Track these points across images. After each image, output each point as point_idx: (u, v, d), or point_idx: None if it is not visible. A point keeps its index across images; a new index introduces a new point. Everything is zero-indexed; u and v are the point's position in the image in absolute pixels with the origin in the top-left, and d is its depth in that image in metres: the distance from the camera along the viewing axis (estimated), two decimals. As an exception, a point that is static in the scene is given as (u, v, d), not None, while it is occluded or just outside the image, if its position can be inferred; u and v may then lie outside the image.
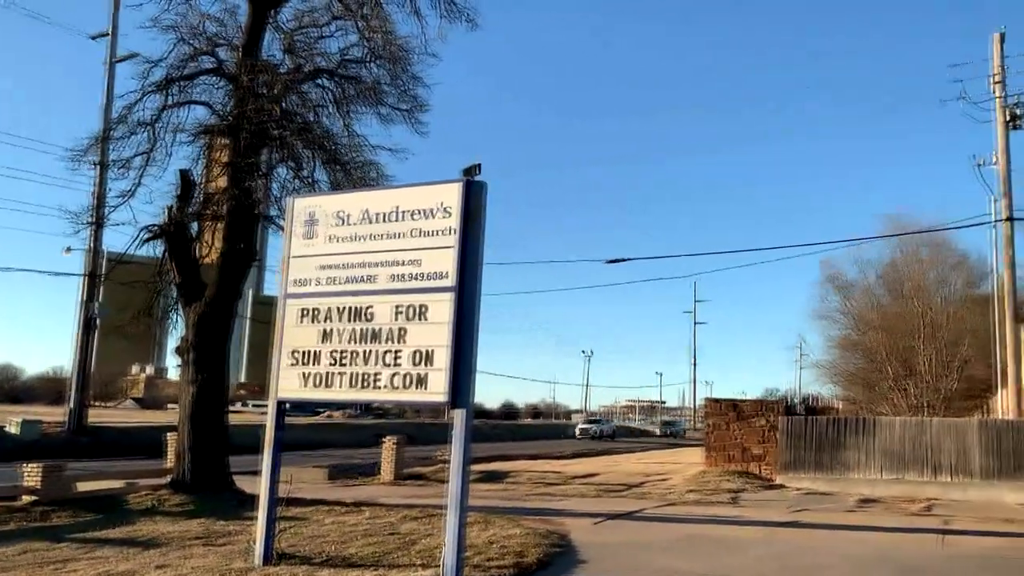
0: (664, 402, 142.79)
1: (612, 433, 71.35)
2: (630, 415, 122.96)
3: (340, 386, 8.61)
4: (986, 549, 12.02)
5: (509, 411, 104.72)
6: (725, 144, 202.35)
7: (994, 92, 23.57)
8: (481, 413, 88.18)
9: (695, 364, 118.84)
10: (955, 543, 12.45)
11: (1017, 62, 23.87)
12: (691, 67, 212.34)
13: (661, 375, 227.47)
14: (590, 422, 76.27)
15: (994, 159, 23.72)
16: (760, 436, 21.78)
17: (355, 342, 8.56)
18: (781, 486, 20.30)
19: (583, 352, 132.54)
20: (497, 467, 26.93)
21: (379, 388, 8.42)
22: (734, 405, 22.62)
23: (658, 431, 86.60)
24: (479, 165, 8.45)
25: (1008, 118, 23.39)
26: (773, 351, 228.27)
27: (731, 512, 15.54)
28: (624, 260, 28.25)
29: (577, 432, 69.43)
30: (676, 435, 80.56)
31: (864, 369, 44.48)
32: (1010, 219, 22.94)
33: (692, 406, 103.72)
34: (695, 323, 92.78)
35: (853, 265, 44.71)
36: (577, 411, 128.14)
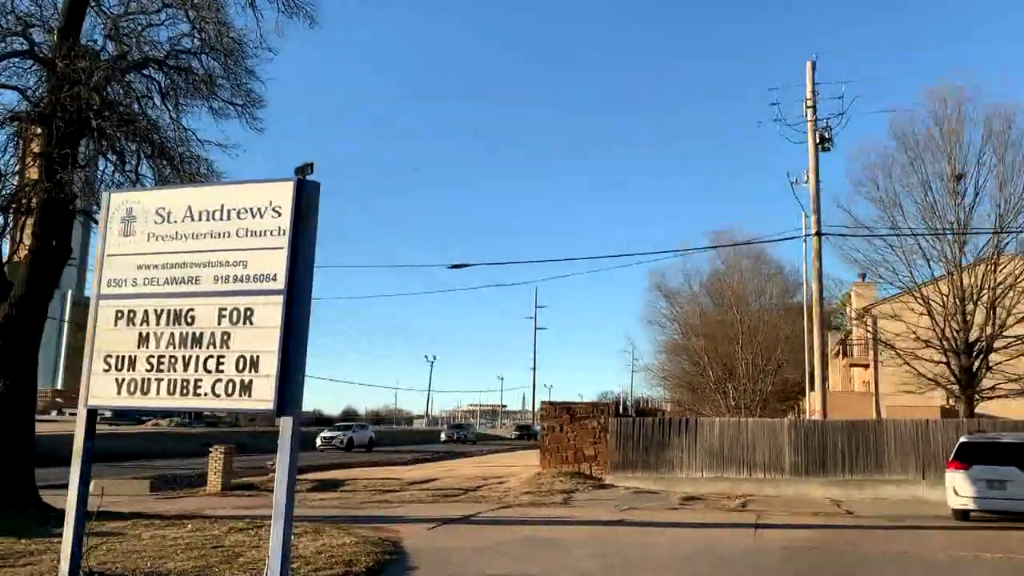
0: (505, 406, 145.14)
1: (368, 442, 54.16)
2: (471, 419, 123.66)
3: (159, 393, 8.15)
4: (794, 540, 12.98)
5: (349, 417, 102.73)
6: (567, 152, 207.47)
7: (807, 116, 25.43)
8: (320, 420, 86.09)
9: (535, 368, 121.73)
10: (767, 536, 13.36)
11: (829, 88, 25.83)
12: (540, 75, 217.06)
13: (503, 379, 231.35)
14: (338, 428, 57.04)
15: (806, 178, 25.56)
16: (593, 437, 22.46)
17: (175, 347, 8.13)
18: (611, 485, 21.03)
19: (426, 357, 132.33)
20: (334, 475, 26.45)
21: (201, 395, 8.03)
22: (568, 408, 23.22)
23: (443, 436, 74.63)
24: (312, 164, 8.19)
25: (818, 140, 25.28)
26: (609, 355, 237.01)
27: (564, 512, 15.97)
28: (466, 265, 28.57)
29: (318, 442, 51.71)
30: (465, 440, 70.84)
31: (689, 372, 47.24)
32: (819, 234, 24.78)
33: (532, 409, 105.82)
34: (536, 328, 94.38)
35: (680, 275, 47.50)
36: (419, 416, 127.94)
